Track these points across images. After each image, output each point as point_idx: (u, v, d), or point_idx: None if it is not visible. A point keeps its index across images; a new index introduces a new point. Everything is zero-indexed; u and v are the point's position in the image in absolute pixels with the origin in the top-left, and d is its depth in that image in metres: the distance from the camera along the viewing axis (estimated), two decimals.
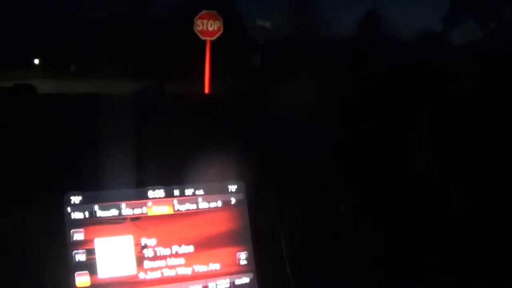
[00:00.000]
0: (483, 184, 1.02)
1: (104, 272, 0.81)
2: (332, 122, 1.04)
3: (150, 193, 0.85)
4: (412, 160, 1.03)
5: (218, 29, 5.50)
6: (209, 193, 0.88)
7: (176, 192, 0.86)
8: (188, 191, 0.87)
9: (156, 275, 0.83)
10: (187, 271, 0.85)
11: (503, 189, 1.02)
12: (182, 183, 0.87)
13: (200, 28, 5.44)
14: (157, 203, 0.85)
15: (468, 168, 1.03)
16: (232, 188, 0.89)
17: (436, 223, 0.99)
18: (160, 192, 0.86)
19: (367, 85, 1.22)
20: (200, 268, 0.85)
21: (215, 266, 0.86)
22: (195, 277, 0.85)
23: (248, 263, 0.88)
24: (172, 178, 0.87)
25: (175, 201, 0.86)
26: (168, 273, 0.84)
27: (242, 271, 0.87)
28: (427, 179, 1.02)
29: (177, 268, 0.84)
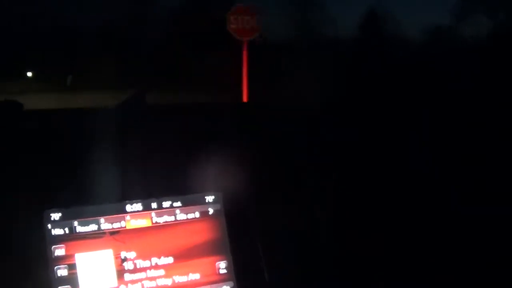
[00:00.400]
0: (483, 184, 1.03)
1: (86, 286, 0.83)
2: (318, 130, 1.05)
3: (128, 207, 0.87)
4: (407, 160, 1.04)
5: (257, 27, 4.58)
6: (187, 205, 0.90)
7: (154, 205, 0.88)
8: (166, 204, 0.89)
9: (137, 287, 0.85)
10: (168, 282, 0.86)
11: (503, 189, 1.03)
12: (160, 196, 0.89)
13: (235, 26, 4.52)
14: (135, 216, 0.87)
15: (468, 168, 1.03)
16: (210, 198, 0.91)
17: (435, 224, 1.00)
18: (137, 206, 0.87)
19: (365, 86, 1.22)
20: (180, 279, 0.87)
21: (195, 276, 0.88)
22: (176, 287, 0.86)
23: (228, 271, 0.89)
24: (151, 191, 0.89)
25: (153, 213, 0.88)
26: (149, 285, 0.85)
27: (222, 280, 0.89)
28: (425, 179, 1.03)
29: (157, 280, 0.86)
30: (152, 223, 0.88)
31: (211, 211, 0.91)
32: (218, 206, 0.91)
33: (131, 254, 0.85)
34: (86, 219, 0.85)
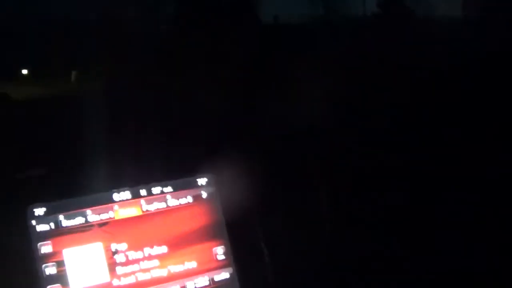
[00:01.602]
0: (482, 183, 1.00)
1: (76, 283, 0.78)
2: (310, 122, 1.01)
3: (116, 196, 0.82)
4: (406, 162, 1.00)
5: None
6: (178, 189, 0.85)
7: (143, 192, 0.83)
8: (156, 190, 0.84)
9: (130, 280, 0.80)
10: (163, 272, 0.82)
11: (502, 188, 1.00)
12: (149, 182, 0.84)
13: None
14: (123, 205, 0.82)
15: (467, 167, 1.00)
16: (202, 181, 0.86)
17: (435, 224, 0.98)
18: (126, 194, 0.82)
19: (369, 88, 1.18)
20: (176, 268, 0.82)
21: (192, 264, 0.83)
22: (172, 277, 0.82)
23: (226, 257, 0.85)
24: (139, 178, 0.84)
25: (142, 201, 0.83)
26: (143, 277, 0.81)
27: (220, 266, 0.84)
28: (425, 179, 1.00)
29: (151, 271, 0.81)
30: (142, 212, 0.83)
31: (204, 194, 0.86)
32: (212, 189, 0.86)
33: (122, 246, 0.81)
34: (71, 212, 0.80)
